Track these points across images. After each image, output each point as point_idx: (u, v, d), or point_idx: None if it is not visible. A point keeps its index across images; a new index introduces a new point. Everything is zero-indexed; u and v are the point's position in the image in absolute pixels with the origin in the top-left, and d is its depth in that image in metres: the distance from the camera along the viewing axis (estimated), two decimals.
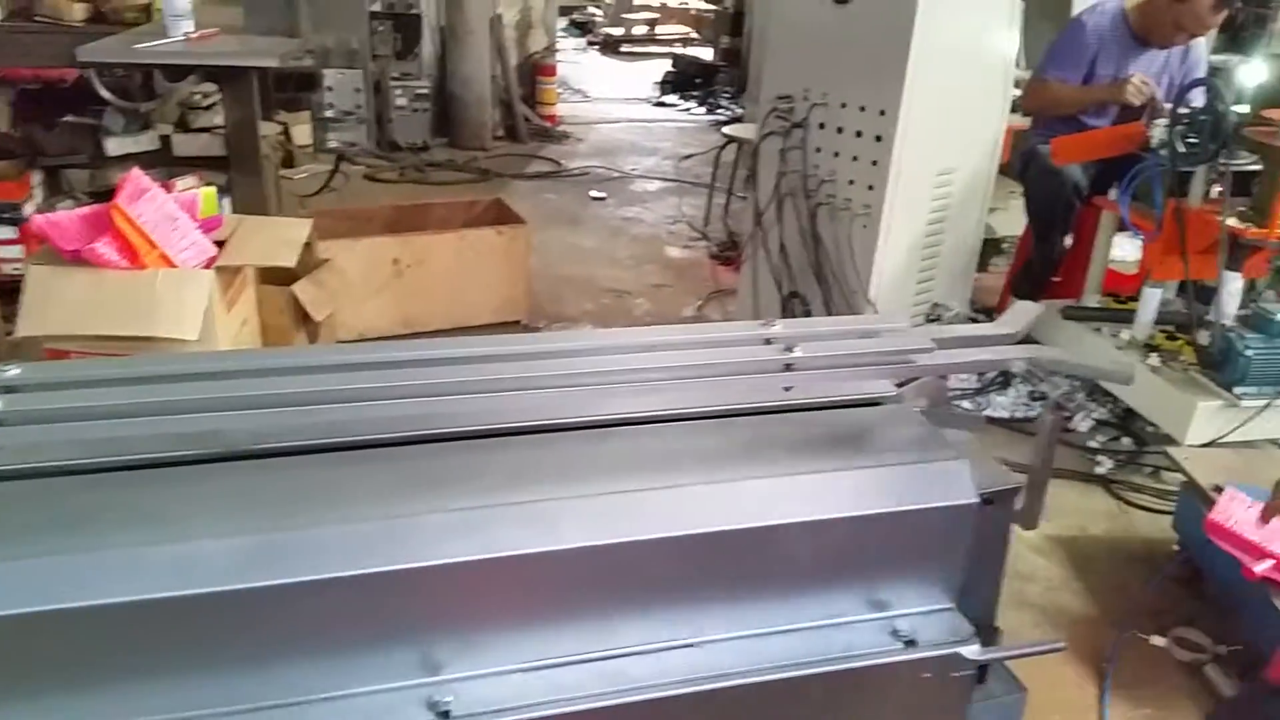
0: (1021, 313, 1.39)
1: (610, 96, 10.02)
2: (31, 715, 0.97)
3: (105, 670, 0.97)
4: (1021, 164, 4.16)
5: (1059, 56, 4.00)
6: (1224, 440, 3.19)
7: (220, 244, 2.76)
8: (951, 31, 3.06)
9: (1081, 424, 3.45)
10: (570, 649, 1.11)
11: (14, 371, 1.07)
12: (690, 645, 1.15)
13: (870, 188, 3.14)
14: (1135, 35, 3.93)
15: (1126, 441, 3.47)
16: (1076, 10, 4.29)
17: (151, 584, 0.96)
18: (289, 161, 5.81)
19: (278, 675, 1.01)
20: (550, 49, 8.22)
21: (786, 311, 3.40)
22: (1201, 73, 3.99)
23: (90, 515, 1.02)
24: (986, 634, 1.29)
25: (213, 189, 2.96)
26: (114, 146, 4.11)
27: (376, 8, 6.23)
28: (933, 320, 1.37)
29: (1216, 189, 3.29)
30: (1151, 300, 3.47)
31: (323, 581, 0.99)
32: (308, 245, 2.99)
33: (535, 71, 8.01)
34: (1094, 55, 3.93)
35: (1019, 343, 1.36)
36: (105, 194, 3.81)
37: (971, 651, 1.20)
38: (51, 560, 0.95)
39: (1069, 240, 4.14)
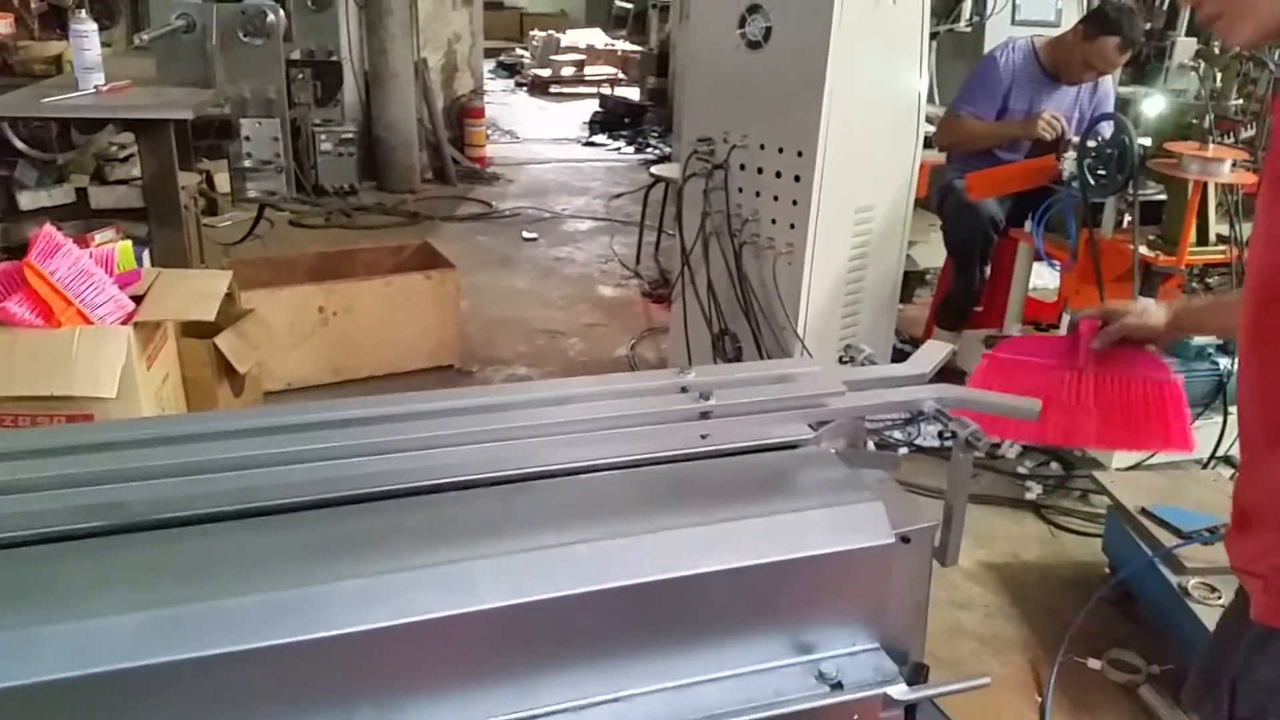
0: (932, 352, 1.41)
1: (540, 137, 10.09)
2: None
3: None
4: (938, 198, 4.27)
5: (972, 92, 4.11)
6: (1149, 463, 3.27)
7: (138, 299, 2.71)
8: (863, 73, 3.13)
9: (1010, 450, 3.52)
10: (491, 711, 1.09)
11: None
12: (616, 700, 1.14)
13: (792, 226, 3.18)
14: (1046, 72, 4.06)
15: (1055, 466, 3.55)
16: (988, 49, 4.42)
17: (49, 665, 0.92)
18: (212, 209, 5.73)
19: None
20: (477, 91, 8.24)
21: (718, 349, 3.42)
22: (1110, 107, 4.14)
23: None
24: (914, 671, 1.29)
25: (129, 243, 2.91)
26: (27, 200, 4.01)
27: (295, 55, 6.20)
28: (846, 362, 1.39)
29: (1127, 219, 3.41)
30: None
31: (233, 654, 0.96)
32: (229, 296, 2.95)
33: (463, 114, 8.03)
34: (1007, 91, 4.05)
35: (931, 381, 1.38)
36: (18, 250, 3.72)
37: (898, 691, 1.20)
38: None
39: (988, 271, 4.24)
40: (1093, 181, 3.40)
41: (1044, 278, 4.73)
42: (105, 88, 3.32)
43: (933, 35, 3.43)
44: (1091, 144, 3.44)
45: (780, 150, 3.16)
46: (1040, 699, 2.46)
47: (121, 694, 0.94)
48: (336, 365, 3.90)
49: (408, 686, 1.05)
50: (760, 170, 3.23)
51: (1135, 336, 1.56)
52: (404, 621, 1.02)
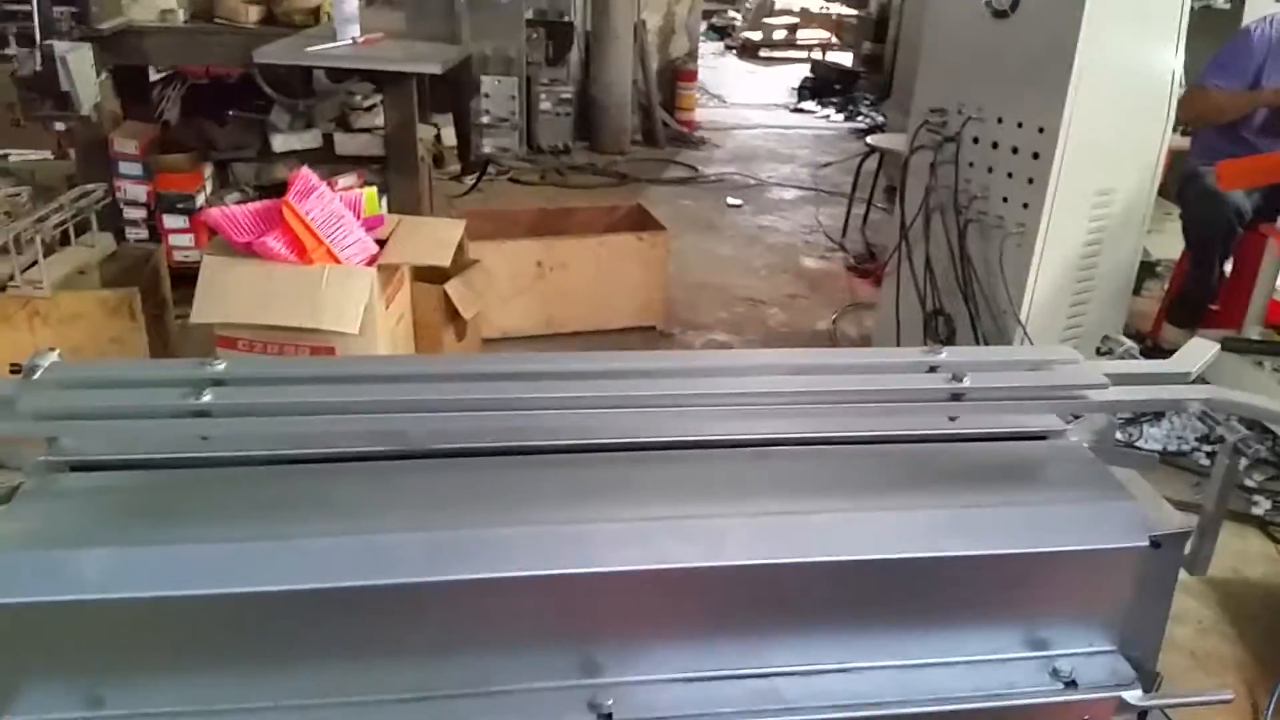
0: (1197, 351, 1.34)
1: (748, 102, 10.01)
2: (223, 691, 1.04)
3: (299, 651, 1.04)
4: (1180, 185, 4.01)
5: (1221, 65, 3.85)
6: None
7: (381, 242, 2.87)
8: (1115, 48, 2.97)
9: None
10: (726, 664, 1.13)
11: (220, 366, 1.14)
12: (844, 670, 1.15)
13: (1025, 206, 3.06)
14: None
15: None
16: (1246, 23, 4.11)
17: (342, 573, 1.02)
18: (439, 163, 5.99)
19: (454, 667, 1.06)
20: (692, 54, 8.25)
21: (929, 330, 3.34)
22: None
23: (287, 505, 1.09)
24: (1147, 679, 1.25)
25: (374, 189, 3.08)
26: (279, 143, 4.31)
27: (529, 15, 6.37)
28: (1104, 354, 1.34)
29: None
30: None
31: (500, 580, 1.03)
32: (459, 246, 3.08)
33: (675, 76, 8.07)
34: (1260, 66, 3.77)
35: (1193, 381, 1.32)
36: (270, 188, 4.01)
37: (1133, 696, 1.17)
38: (252, 546, 1.02)
39: (1228, 267, 3.96)
40: None
41: None
42: (361, 39, 3.50)
43: (1189, 11, 3.20)
44: None
45: (1019, 125, 3.03)
46: None
47: (402, 605, 1.03)
48: (549, 318, 4.03)
49: (651, 629, 1.10)
50: (995, 145, 3.11)
51: None
52: (654, 567, 1.06)
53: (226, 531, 1.04)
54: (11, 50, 3.20)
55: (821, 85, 10.15)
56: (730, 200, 6.50)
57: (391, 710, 1.07)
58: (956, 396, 1.19)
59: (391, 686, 1.07)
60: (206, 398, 1.08)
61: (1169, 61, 3.17)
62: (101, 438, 1.17)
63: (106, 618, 1.00)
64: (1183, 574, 1.29)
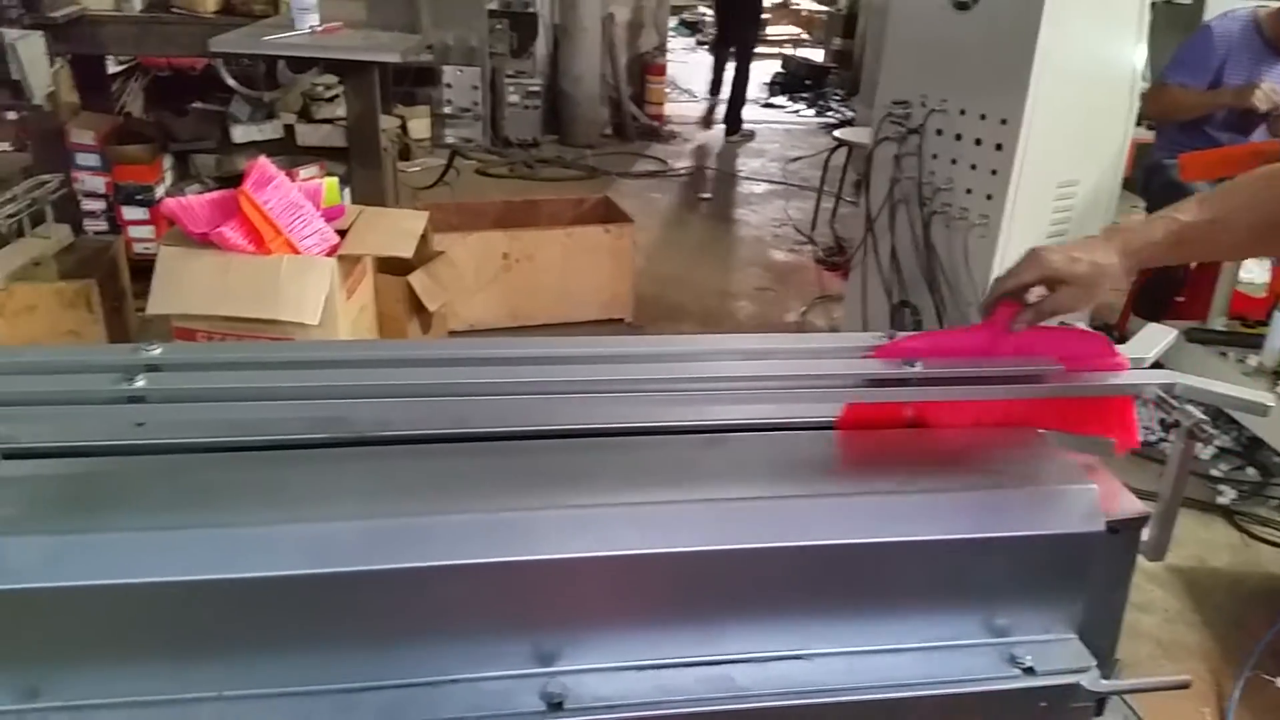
0: (1154, 336, 1.34)
1: (719, 97, 9.98)
2: (161, 682, 1.01)
3: (235, 642, 1.01)
4: (1144, 178, 4.03)
5: (1183, 62, 3.87)
6: None
7: (342, 233, 2.83)
8: (1077, 40, 2.97)
9: (1204, 451, 3.32)
10: (679, 652, 1.11)
11: (156, 351, 1.11)
12: (799, 657, 1.14)
13: (989, 197, 3.06)
14: (1268, 44, 3.78)
15: (1251, 471, 3.34)
16: (1207, 19, 4.14)
17: (283, 561, 0.99)
18: (405, 154, 5.94)
19: (400, 656, 1.03)
20: (661, 48, 8.23)
21: (896, 320, 3.34)
22: None
23: (226, 492, 1.06)
24: (1106, 665, 1.25)
25: (335, 179, 3.04)
26: (240, 134, 4.26)
27: (494, 6, 6.35)
28: None
29: None
30: None
31: (447, 568, 1.00)
32: (423, 237, 3.05)
33: (645, 70, 8.05)
34: (1221, 63, 3.79)
35: (1150, 367, 1.31)
36: (231, 179, 3.95)
37: (1092, 682, 1.16)
38: (191, 533, 0.99)
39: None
40: None
41: (1252, 271, 4.41)
42: (320, 29, 3.46)
43: (1150, 5, 3.21)
44: None
45: (982, 117, 3.03)
46: (1221, 714, 2.33)
47: (344, 595, 1.00)
48: (515, 310, 4.00)
49: (603, 617, 1.08)
50: (959, 137, 3.11)
51: (1071, 309, 1.25)
52: (606, 554, 1.04)
53: (163, 520, 1.01)
54: None
55: (792, 80, 10.17)
56: (700, 194, 6.49)
57: (338, 700, 1.04)
58: (906, 381, 1.18)
59: (338, 676, 1.04)
60: (140, 383, 1.05)
61: (1130, 55, 3.18)
62: (34, 424, 1.14)
63: (40, 607, 0.97)
64: (1150, 564, 1.28)
